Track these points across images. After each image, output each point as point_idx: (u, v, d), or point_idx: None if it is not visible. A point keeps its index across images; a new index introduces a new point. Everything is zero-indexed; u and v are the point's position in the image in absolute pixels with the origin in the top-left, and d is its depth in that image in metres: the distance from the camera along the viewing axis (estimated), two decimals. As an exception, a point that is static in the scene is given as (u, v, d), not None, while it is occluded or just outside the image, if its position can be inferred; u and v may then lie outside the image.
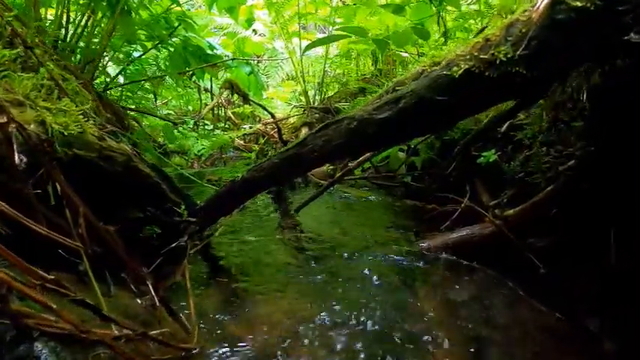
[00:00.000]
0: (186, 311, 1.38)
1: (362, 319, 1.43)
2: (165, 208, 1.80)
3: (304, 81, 4.64)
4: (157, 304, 1.17)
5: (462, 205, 2.00)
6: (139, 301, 1.33)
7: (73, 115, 1.46)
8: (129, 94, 3.88)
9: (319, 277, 1.72)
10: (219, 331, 1.36)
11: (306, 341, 1.31)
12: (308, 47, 3.15)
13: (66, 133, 1.39)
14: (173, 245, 1.79)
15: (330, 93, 4.92)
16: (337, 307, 1.50)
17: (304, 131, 3.94)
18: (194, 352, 1.18)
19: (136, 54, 3.51)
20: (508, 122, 1.90)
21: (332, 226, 2.29)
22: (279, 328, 1.38)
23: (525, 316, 1.53)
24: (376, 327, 1.40)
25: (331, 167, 3.09)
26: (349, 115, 1.41)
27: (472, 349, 1.33)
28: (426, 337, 1.36)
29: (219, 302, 1.57)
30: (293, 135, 4.15)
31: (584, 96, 1.54)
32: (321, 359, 1.25)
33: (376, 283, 1.67)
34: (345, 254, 1.90)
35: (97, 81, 3.35)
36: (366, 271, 1.74)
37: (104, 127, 1.73)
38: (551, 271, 1.71)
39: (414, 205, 2.45)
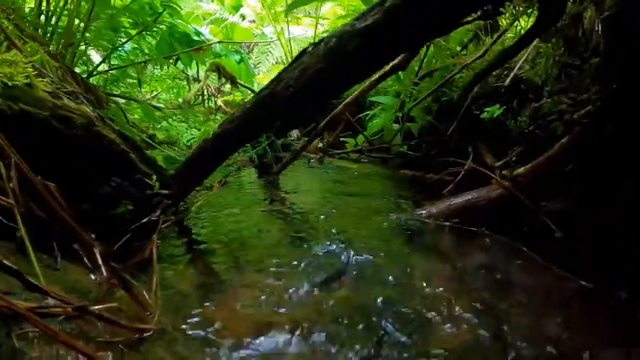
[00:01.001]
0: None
1: (358, 297, 1.24)
2: (135, 179, 1.61)
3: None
4: (105, 274, 0.97)
5: (466, 167, 1.80)
6: (92, 276, 1.14)
7: (20, 67, 1.29)
8: (112, 79, 3.71)
9: (308, 250, 1.53)
10: (187, 311, 1.17)
11: (287, 322, 1.12)
12: (291, 6, 2.95)
13: (10, 84, 1.21)
14: (144, 221, 1.61)
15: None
16: (329, 286, 1.30)
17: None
18: (149, 333, 0.99)
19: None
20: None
21: (325, 198, 2.10)
22: (258, 309, 1.19)
23: (547, 283, 1.35)
24: (378, 302, 1.20)
25: (321, 144, 2.91)
26: (328, 35, 1.18)
27: (491, 321, 1.14)
28: (435, 310, 1.17)
29: (194, 279, 1.39)
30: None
31: (599, 28, 1.36)
32: (308, 343, 1.07)
33: (373, 255, 1.47)
34: (337, 225, 1.70)
35: (80, 69, 3.19)
36: (361, 242, 1.55)
37: (63, 88, 1.54)
38: (567, 234, 1.52)
39: (413, 175, 2.26)
